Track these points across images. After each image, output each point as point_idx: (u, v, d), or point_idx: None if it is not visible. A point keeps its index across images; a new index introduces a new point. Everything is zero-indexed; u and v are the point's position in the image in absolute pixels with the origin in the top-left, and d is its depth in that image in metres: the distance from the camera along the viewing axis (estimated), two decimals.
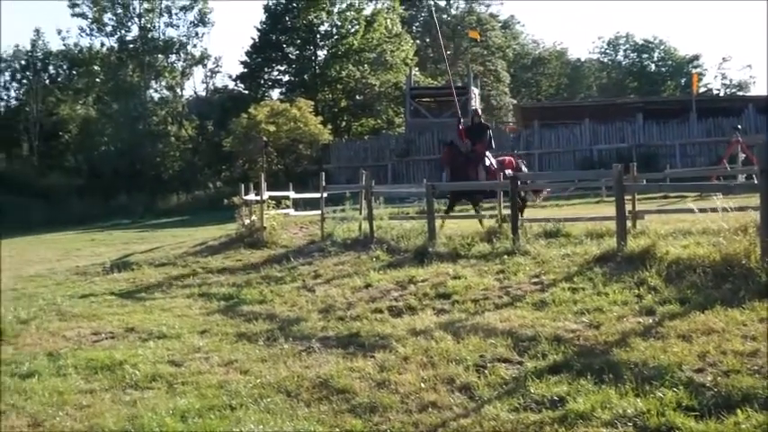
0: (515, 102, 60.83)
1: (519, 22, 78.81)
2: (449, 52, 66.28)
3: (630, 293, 7.69)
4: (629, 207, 11.35)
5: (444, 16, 67.16)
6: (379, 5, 54.75)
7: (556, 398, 5.39)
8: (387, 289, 9.65)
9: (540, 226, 12.10)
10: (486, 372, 6.06)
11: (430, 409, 5.50)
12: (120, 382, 6.55)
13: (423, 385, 5.91)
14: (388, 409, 5.56)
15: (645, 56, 72.38)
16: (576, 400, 5.28)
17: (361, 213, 15.82)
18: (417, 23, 66.45)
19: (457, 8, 68.86)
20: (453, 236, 12.38)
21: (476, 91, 44.78)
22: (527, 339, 6.76)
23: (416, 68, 53.47)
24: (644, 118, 35.95)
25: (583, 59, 78.48)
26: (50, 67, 58.46)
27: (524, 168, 17.17)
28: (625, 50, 75.35)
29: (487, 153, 16.25)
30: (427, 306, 8.59)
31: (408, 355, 6.64)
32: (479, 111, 17.98)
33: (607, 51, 76.32)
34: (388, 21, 53.44)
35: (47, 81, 57.36)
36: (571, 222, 12.21)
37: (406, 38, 53.88)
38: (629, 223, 10.75)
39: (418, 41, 60.21)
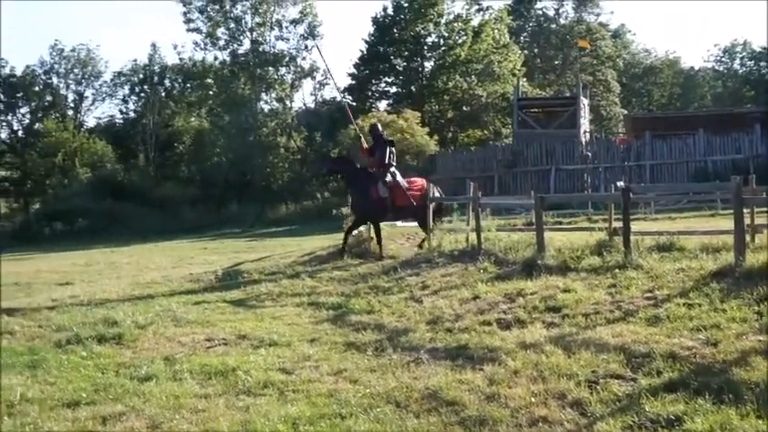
0: (626, 112, 59.54)
1: (630, 31, 77.30)
2: (557, 62, 65.58)
3: (750, 310, 7.40)
4: (747, 220, 10.94)
5: (553, 26, 66.40)
6: (486, 16, 54.57)
7: (672, 417, 5.23)
8: (495, 301, 9.57)
9: (653, 239, 11.79)
10: (598, 388, 5.94)
11: (540, 425, 5.43)
12: (233, 388, 6.69)
13: (533, 400, 5.83)
14: (497, 422, 5.51)
15: (763, 64, 69.64)
16: (693, 419, 5.12)
17: (468, 224, 15.74)
18: (525, 34, 65.86)
19: (566, 17, 67.96)
20: (563, 248, 12.17)
21: (585, 101, 44.08)
22: (641, 356, 6.59)
23: (524, 79, 53.03)
24: (762, 128, 34.63)
25: (697, 68, 76.27)
26: (166, 81, 60.52)
27: (437, 194, 16.69)
28: (742, 58, 72.78)
29: (393, 169, 16.10)
30: (536, 319, 8.47)
31: (518, 369, 6.57)
32: (378, 126, 17.36)
33: (723, 59, 73.88)
34: (496, 31, 53.24)
35: (163, 94, 59.41)
36: (685, 236, 11.84)
37: (513, 48, 53.55)
38: (747, 237, 10.37)
39: (526, 52, 59.65)
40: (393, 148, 16.39)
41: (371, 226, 16.16)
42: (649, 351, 6.63)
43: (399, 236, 17.88)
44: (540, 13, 68.03)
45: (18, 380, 7.11)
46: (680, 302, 8.05)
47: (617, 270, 10.08)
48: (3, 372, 7.45)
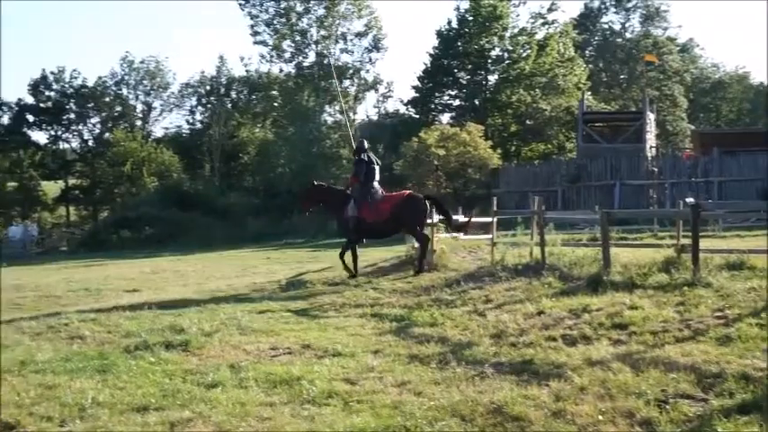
0: (693, 127, 58.51)
1: (698, 45, 76.02)
2: (623, 76, 64.76)
3: None
4: None
5: (619, 40, 65.65)
6: (551, 30, 54.24)
7: None
8: (560, 317, 9.46)
9: (723, 257, 11.55)
10: (667, 407, 5.82)
11: None
12: (298, 397, 6.72)
13: (601, 417, 5.74)
14: None
15: None
16: None
17: (532, 239, 15.63)
18: (590, 47, 65.24)
19: (632, 31, 67.12)
20: (629, 264, 12.00)
21: (651, 116, 43.46)
22: (711, 376, 6.44)
23: (589, 93, 52.51)
24: None
25: (767, 83, 74.58)
26: (233, 92, 61.39)
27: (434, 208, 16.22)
28: None
29: (375, 185, 16.00)
30: (603, 336, 8.35)
31: (585, 386, 6.48)
32: (363, 143, 16.99)
33: None
34: (561, 45, 52.94)
35: (229, 105, 60.27)
36: (756, 255, 11.56)
37: (578, 62, 53.15)
38: None
39: (591, 66, 59.07)
40: (373, 166, 16.18)
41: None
42: (720, 371, 6.48)
43: (461, 248, 17.82)
44: (606, 27, 67.42)
45: (89, 384, 7.24)
46: (752, 322, 7.87)
47: (685, 288, 9.90)
48: (74, 375, 7.62)
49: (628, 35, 67.10)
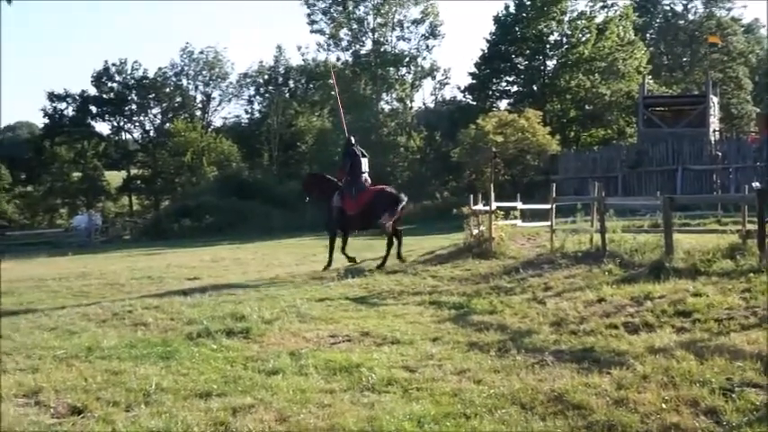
0: (758, 110, 57.08)
1: (763, 26, 73.91)
2: (685, 59, 63.45)
3: None
4: None
5: (681, 22, 64.29)
6: (611, 13, 53.42)
7: None
8: (621, 304, 9.34)
9: None
10: (733, 396, 5.70)
11: None
12: (358, 384, 6.74)
13: (664, 406, 5.65)
14: (627, 428, 5.36)
15: None
16: None
17: (592, 225, 15.45)
18: (651, 30, 64.02)
19: (695, 13, 65.64)
20: (692, 251, 11.79)
21: (714, 99, 42.49)
22: None
23: (650, 76, 51.54)
24: None
25: None
26: (290, 82, 61.83)
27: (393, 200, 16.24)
28: None
29: (361, 178, 16.42)
30: (665, 323, 8.22)
31: (647, 374, 6.38)
32: (351, 139, 17.30)
33: None
34: (621, 28, 52.08)
35: (287, 95, 60.67)
36: None
37: (639, 45, 52.18)
38: None
39: (652, 49, 57.98)
40: (358, 159, 16.58)
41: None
42: None
43: (520, 236, 17.71)
44: (668, 8, 66.06)
45: (153, 370, 7.37)
46: None
47: (751, 274, 9.69)
48: (139, 361, 7.77)
49: (690, 16, 65.60)
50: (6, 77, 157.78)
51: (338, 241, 16.85)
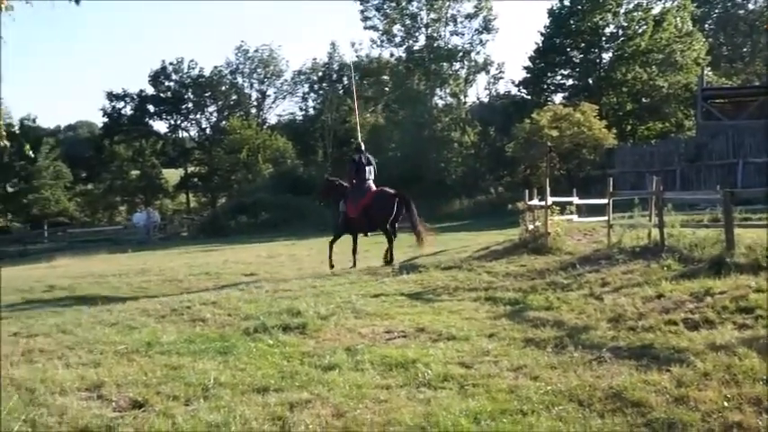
0: None
1: None
2: (745, 50, 62.13)
3: None
4: None
5: (741, 11, 62.94)
6: (668, 4, 52.51)
7: None
8: (680, 300, 9.19)
9: None
10: None
11: (735, 431, 5.17)
12: (414, 380, 6.75)
13: (726, 404, 5.56)
14: (687, 426, 5.29)
15: None
16: None
17: (650, 220, 15.22)
18: (710, 21, 62.76)
19: (755, 2, 64.18)
20: (753, 246, 11.54)
21: None
22: None
23: (708, 68, 50.51)
24: None
25: None
26: (344, 78, 62.05)
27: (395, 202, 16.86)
28: None
29: (366, 184, 17.03)
30: (727, 320, 8.07)
31: (708, 371, 6.28)
32: (360, 146, 17.96)
33: None
34: (678, 19, 51.12)
35: (341, 91, 60.90)
36: None
37: (697, 36, 51.11)
38: None
39: (711, 40, 56.84)
40: (362, 165, 17.17)
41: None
42: None
43: (576, 231, 17.53)
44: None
45: (211, 365, 7.48)
46: None
47: None
48: (197, 356, 7.88)
49: (750, 6, 64.19)
50: (67, 77, 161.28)
51: (334, 243, 17.45)
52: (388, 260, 16.43)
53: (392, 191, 17.11)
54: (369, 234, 17.55)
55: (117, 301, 12.75)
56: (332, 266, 16.55)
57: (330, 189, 18.18)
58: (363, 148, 17.74)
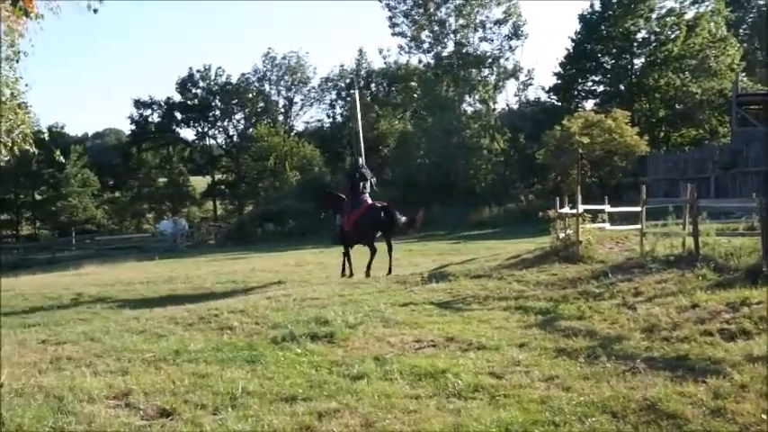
0: None
1: None
2: None
3: None
4: None
5: None
6: (701, 9, 52.07)
7: None
8: (716, 310, 9.08)
9: None
10: None
11: None
12: (444, 390, 6.72)
13: (764, 417, 5.48)
14: None
15: None
16: None
17: (684, 228, 15.08)
18: (745, 25, 62.15)
19: None
20: None
21: None
22: None
23: (743, 73, 50.02)
24: None
25: None
26: (372, 85, 62.20)
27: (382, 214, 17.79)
28: None
29: (361, 197, 17.95)
30: (764, 330, 7.95)
31: (746, 383, 6.19)
32: (358, 160, 19.67)
33: None
34: (712, 24, 50.66)
35: (368, 98, 61.01)
36: None
37: (731, 41, 50.68)
38: None
39: (745, 44, 56.30)
40: (357, 180, 18.21)
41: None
42: None
43: (608, 239, 17.41)
44: (762, 2, 64.04)
45: (239, 373, 7.49)
46: None
47: None
48: (225, 364, 7.90)
49: None
50: (95, 85, 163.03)
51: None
52: (367, 274, 16.94)
53: (381, 204, 17.99)
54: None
55: (144, 309, 12.83)
56: (344, 275, 17.65)
57: (329, 201, 19.43)
58: (362, 162, 18.95)
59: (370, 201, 17.99)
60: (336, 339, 9.06)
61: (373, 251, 17.46)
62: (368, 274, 16.75)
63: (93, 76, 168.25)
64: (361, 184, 18.08)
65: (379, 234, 17.98)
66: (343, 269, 17.96)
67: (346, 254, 18.10)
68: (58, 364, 8.20)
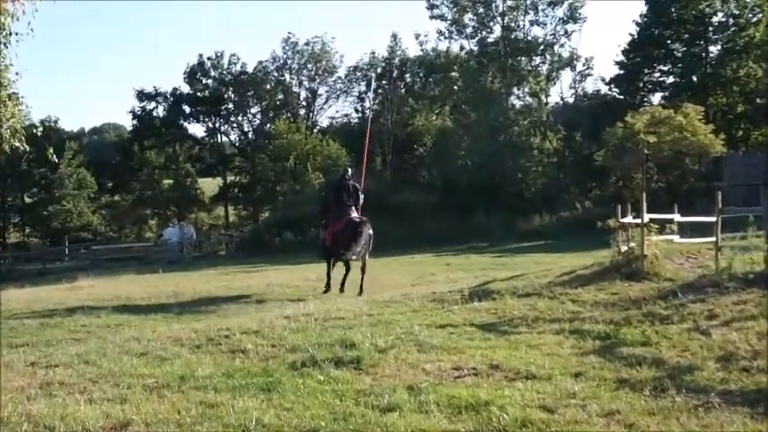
0: None
1: None
2: None
3: None
4: None
5: None
6: None
7: None
8: None
9: None
10: None
11: None
12: (487, 425, 6.70)
13: None
14: None
15: None
16: None
17: (766, 242, 14.93)
18: None
19: None
20: None
21: None
22: None
23: None
24: None
25: None
26: (407, 75, 62.08)
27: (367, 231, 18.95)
28: None
29: (343, 209, 19.29)
30: None
31: None
32: (347, 171, 21.19)
33: None
34: None
35: (403, 90, 60.94)
36: None
37: None
38: None
39: None
40: (340, 192, 19.64)
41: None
42: None
43: (677, 254, 17.28)
44: None
45: (253, 403, 7.51)
46: None
47: None
48: (237, 393, 7.93)
49: None
50: (92, 74, 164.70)
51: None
52: (341, 289, 18.56)
53: (360, 219, 19.10)
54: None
55: (146, 328, 12.91)
56: (327, 290, 18.78)
57: (326, 209, 20.48)
58: (349, 173, 20.39)
59: (353, 214, 19.26)
60: (364, 365, 9.06)
61: (350, 266, 19.05)
62: (341, 290, 18.51)
63: (90, 63, 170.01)
64: (345, 194, 19.41)
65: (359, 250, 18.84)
66: (327, 285, 18.91)
67: (330, 268, 19.20)
68: (49, 390, 8.27)
